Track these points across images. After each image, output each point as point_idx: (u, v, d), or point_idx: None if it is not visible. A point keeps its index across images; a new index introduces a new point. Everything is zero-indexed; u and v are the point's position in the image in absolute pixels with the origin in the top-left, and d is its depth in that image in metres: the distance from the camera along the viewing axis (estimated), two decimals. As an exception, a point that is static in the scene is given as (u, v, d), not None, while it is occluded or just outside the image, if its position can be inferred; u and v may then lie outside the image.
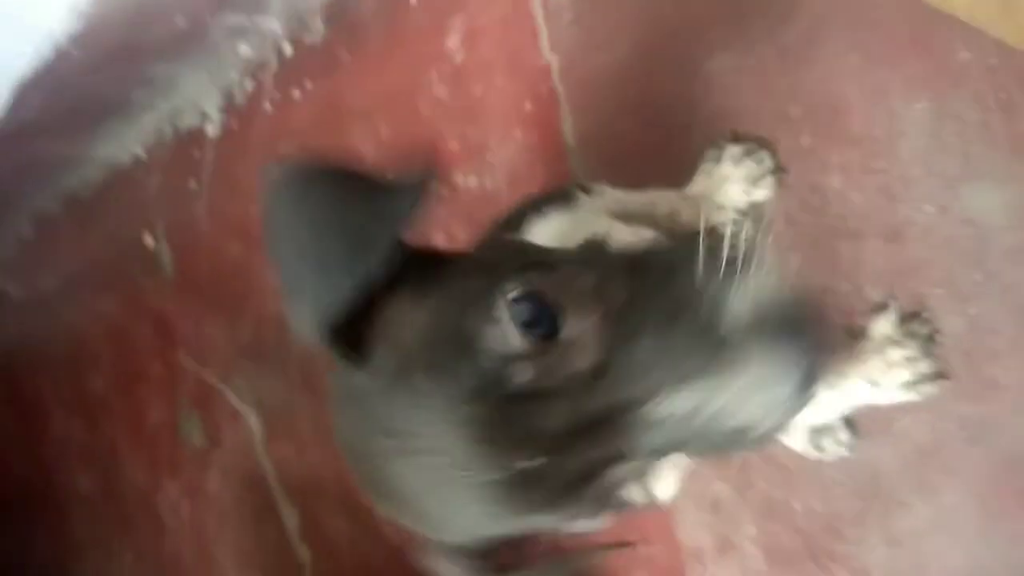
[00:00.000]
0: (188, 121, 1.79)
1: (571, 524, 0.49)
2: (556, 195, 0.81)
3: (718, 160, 0.93)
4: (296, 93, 1.51)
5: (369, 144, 1.40)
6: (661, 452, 0.47)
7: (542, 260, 0.51)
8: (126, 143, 2.00)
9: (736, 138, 0.92)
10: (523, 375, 0.44)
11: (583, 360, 0.44)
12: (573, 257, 0.54)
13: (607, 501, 0.48)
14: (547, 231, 0.69)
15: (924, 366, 0.87)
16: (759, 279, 0.43)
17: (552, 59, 1.07)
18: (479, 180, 1.24)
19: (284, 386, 1.82)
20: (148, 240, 2.11)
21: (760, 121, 0.93)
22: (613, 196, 0.87)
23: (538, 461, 0.44)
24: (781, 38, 0.90)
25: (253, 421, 1.94)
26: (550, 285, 0.45)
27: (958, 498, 0.89)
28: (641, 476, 0.51)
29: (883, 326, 0.90)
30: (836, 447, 0.99)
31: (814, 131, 0.90)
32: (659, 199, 0.92)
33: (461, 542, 0.52)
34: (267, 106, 1.59)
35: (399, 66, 1.29)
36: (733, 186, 0.94)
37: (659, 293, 0.45)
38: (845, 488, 0.96)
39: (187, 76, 1.70)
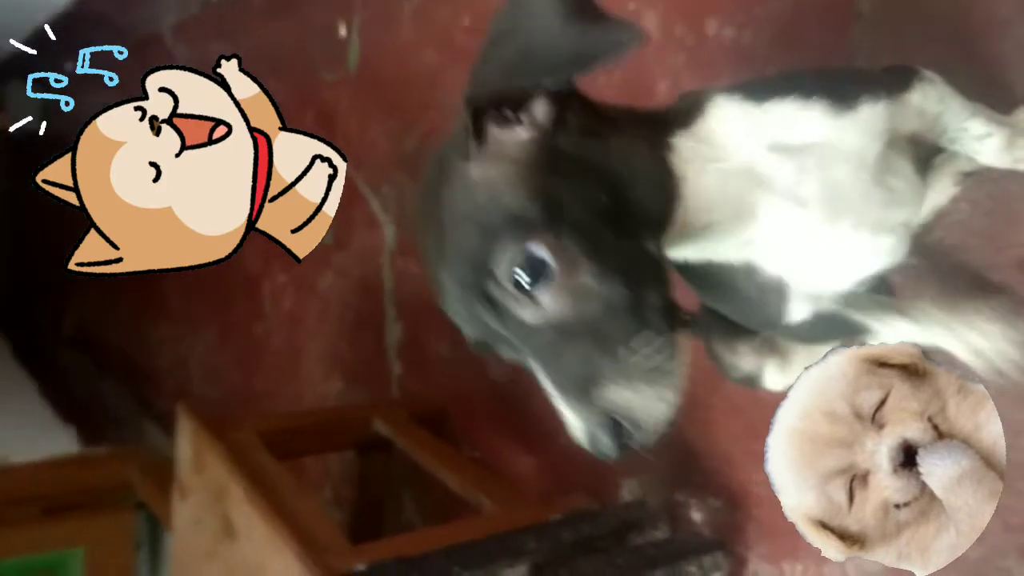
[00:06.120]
0: (429, -86, 1.76)
1: None
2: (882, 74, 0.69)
3: None
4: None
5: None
6: None
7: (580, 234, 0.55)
8: (359, -80, 1.98)
9: None
10: (493, 289, 0.54)
11: (528, 314, 0.54)
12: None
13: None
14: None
15: None
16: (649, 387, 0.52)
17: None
18: (736, 32, 1.18)
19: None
20: (341, 30, 2.10)
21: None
22: (936, 96, 0.70)
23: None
24: None
25: (389, 232, 1.95)
26: (557, 260, 0.53)
27: None
28: None
29: None
30: None
31: None
32: (979, 118, 0.75)
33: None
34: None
35: None
36: None
37: (600, 330, 0.53)
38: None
39: None
